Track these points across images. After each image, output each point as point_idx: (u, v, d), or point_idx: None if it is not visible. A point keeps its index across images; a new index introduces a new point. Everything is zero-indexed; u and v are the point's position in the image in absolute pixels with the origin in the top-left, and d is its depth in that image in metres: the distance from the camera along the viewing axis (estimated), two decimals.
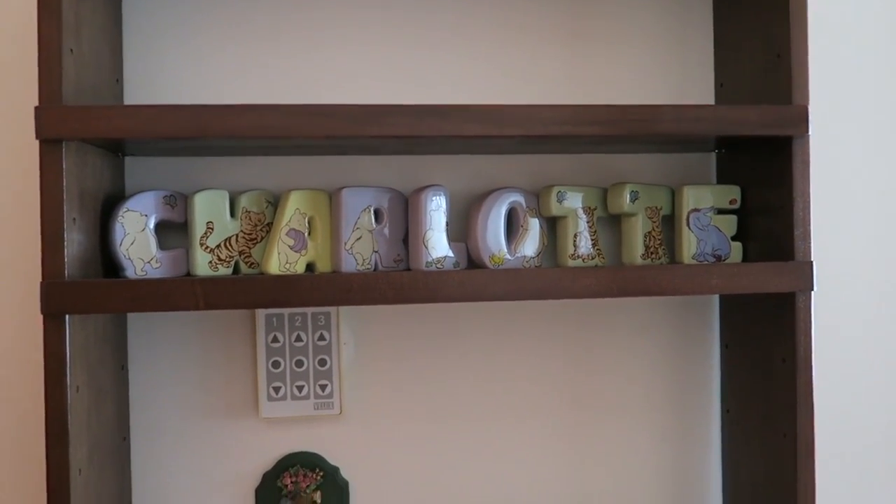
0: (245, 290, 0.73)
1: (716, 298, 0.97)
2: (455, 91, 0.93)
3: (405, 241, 0.89)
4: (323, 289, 0.73)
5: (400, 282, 0.74)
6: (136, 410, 0.90)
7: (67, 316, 0.72)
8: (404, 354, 0.94)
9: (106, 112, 0.72)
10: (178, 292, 0.72)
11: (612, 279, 0.75)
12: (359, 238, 0.86)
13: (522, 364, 0.95)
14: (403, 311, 0.93)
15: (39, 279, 0.71)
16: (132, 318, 0.90)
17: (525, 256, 0.90)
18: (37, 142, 0.71)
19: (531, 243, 0.90)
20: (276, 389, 0.90)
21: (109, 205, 0.84)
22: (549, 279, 0.75)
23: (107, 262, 0.83)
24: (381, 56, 0.93)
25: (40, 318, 0.71)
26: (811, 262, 0.79)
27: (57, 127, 0.70)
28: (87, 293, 0.72)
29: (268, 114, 0.72)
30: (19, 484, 0.89)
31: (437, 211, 0.87)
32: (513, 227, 0.90)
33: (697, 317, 0.98)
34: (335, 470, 0.92)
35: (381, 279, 0.74)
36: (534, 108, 0.75)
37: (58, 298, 0.71)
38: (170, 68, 0.90)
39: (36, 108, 0.70)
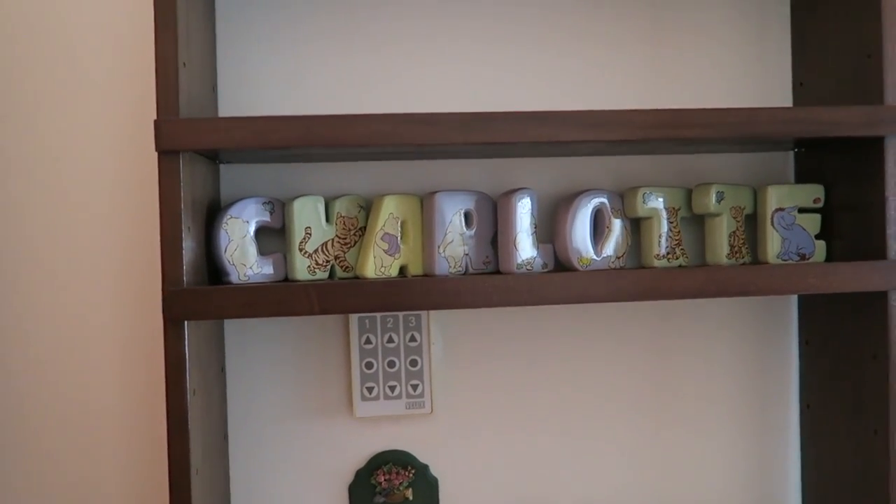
0: (357, 293, 0.75)
1: (795, 296, 0.99)
2: (539, 93, 0.95)
3: (492, 242, 0.91)
4: (432, 293, 0.76)
5: (505, 285, 0.76)
6: (234, 411, 0.93)
7: (186, 322, 0.75)
8: (492, 355, 0.96)
9: (223, 124, 0.74)
10: (294, 298, 0.74)
11: (709, 280, 0.77)
12: (451, 241, 0.88)
13: (605, 364, 0.97)
14: (490, 312, 0.96)
15: (153, 286, 0.74)
16: (229, 321, 0.93)
17: (610, 257, 0.91)
18: (148, 153, 0.74)
19: (615, 244, 0.92)
20: (370, 389, 0.93)
21: (211, 213, 0.86)
22: (649, 281, 0.77)
23: (211, 268, 0.85)
24: (471, 62, 0.94)
25: (153, 324, 0.74)
26: None
27: (175, 139, 0.73)
28: (205, 300, 0.74)
29: (377, 123, 0.75)
30: (133, 484, 0.92)
31: (525, 213, 0.89)
32: (598, 228, 0.92)
33: (776, 315, 0.99)
34: (425, 467, 0.95)
35: (488, 283, 0.76)
36: (634, 112, 0.76)
37: (179, 305, 0.74)
38: (262, 77, 0.93)
39: (155, 121, 0.73)
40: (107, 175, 0.92)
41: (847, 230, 0.88)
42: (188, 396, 0.75)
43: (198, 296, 0.74)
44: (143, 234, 0.91)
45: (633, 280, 0.77)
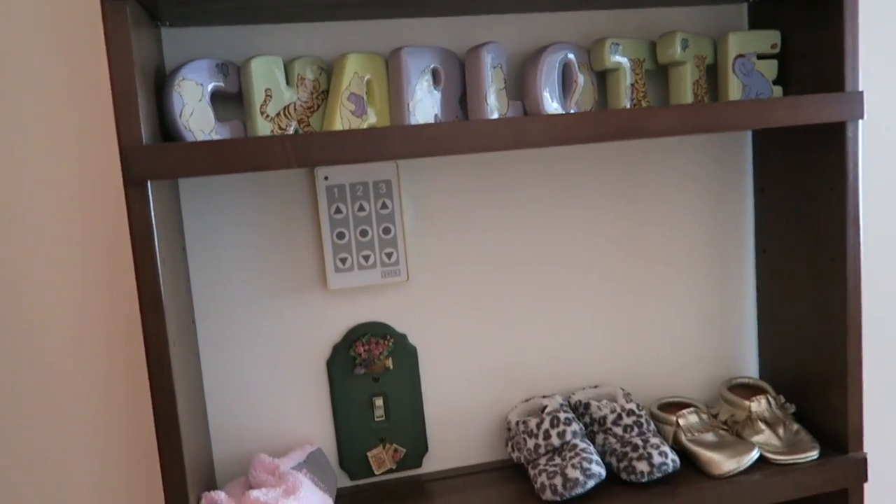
0: (335, 144, 0.71)
1: (749, 144, 1.02)
2: None
3: (461, 103, 0.89)
4: (413, 140, 0.73)
5: (488, 129, 0.74)
6: (200, 292, 0.89)
7: (149, 183, 0.69)
8: (464, 221, 0.95)
9: None
10: (268, 151, 0.70)
11: (687, 117, 0.78)
12: (420, 99, 0.85)
13: (573, 226, 0.98)
14: (461, 177, 0.94)
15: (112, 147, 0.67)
16: (185, 196, 0.87)
17: (580, 112, 0.91)
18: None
19: (583, 98, 0.91)
20: (343, 261, 0.90)
21: (159, 80, 0.79)
22: (629, 120, 0.77)
23: (165, 136, 0.79)
24: None
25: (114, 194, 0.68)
26: (861, 91, 0.83)
27: None
28: (170, 157, 0.68)
29: None
30: (110, 360, 0.87)
31: (496, 68, 0.87)
32: (566, 83, 0.91)
33: (731, 167, 1.02)
34: (403, 337, 0.94)
35: (471, 127, 0.74)
36: None
37: (140, 163, 0.68)
38: None
39: None
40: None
41: (801, 74, 0.91)
42: (159, 265, 0.71)
43: (161, 153, 0.68)
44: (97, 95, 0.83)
45: (614, 119, 0.76)
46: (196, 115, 0.79)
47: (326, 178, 0.88)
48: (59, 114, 0.83)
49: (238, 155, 0.70)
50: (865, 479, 0.91)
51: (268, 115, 0.82)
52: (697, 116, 0.78)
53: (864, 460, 0.91)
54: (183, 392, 0.75)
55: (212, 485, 0.88)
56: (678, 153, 1.00)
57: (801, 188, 0.93)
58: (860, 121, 0.84)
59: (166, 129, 0.79)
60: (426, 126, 0.73)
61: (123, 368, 0.88)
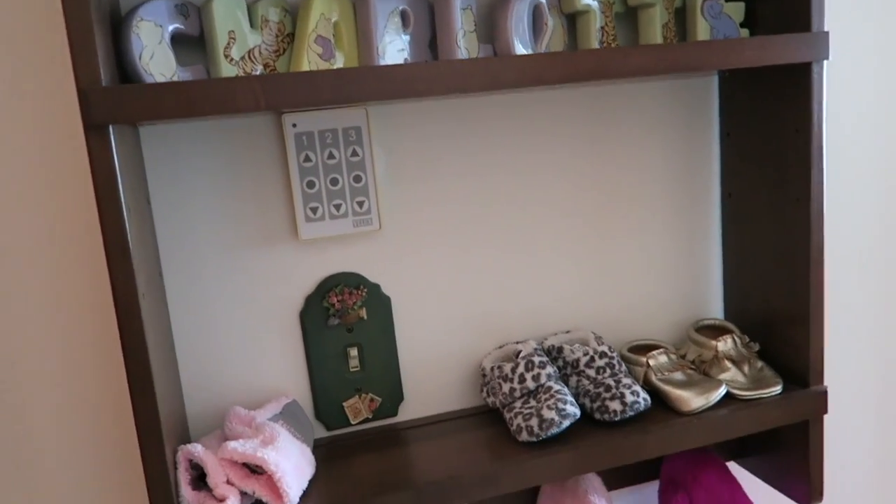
0: (307, 85, 0.69)
1: (715, 89, 1.03)
2: None
3: (430, 47, 0.87)
4: (386, 80, 0.71)
5: (462, 69, 0.73)
6: (167, 246, 0.86)
7: (111, 127, 0.66)
8: (435, 169, 0.94)
9: None
10: (238, 93, 0.67)
11: (660, 57, 0.78)
12: (389, 42, 0.83)
13: (545, 170, 0.98)
14: (432, 123, 0.92)
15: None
16: (147, 146, 0.84)
17: (553, 52, 0.90)
18: None
19: (553, 42, 0.90)
20: (314, 210, 0.88)
21: (114, 18, 0.75)
22: (603, 59, 0.76)
23: (124, 81, 0.76)
24: None
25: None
26: (827, 32, 0.84)
27: None
28: (133, 98, 0.65)
29: None
30: (77, 315, 0.84)
31: (466, 10, 0.85)
32: (536, 26, 0.89)
33: (698, 111, 1.03)
34: (377, 287, 0.93)
35: (445, 68, 0.72)
36: None
37: (102, 106, 0.65)
38: None
39: None
40: None
41: (767, 16, 0.92)
42: (125, 213, 0.68)
43: (124, 94, 0.65)
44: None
45: (587, 59, 0.76)
46: (156, 59, 0.75)
47: (295, 126, 0.86)
48: (12, 59, 0.78)
49: (206, 97, 0.67)
50: (825, 411, 0.95)
51: (232, 59, 0.79)
52: (669, 56, 0.78)
53: (825, 393, 0.94)
54: (154, 345, 0.73)
55: (186, 440, 0.86)
56: (646, 98, 1.00)
57: (767, 131, 0.95)
58: (825, 62, 0.85)
59: (125, 73, 0.75)
60: (399, 66, 0.71)
61: (92, 323, 0.85)
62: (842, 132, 1.12)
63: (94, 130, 0.66)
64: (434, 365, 0.97)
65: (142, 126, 0.83)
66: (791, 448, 1.00)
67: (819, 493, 0.98)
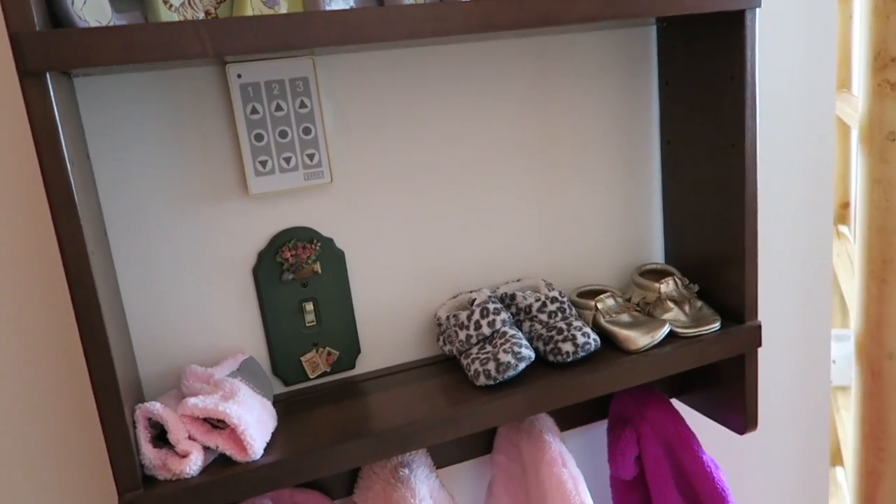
0: (255, 30, 0.67)
1: (654, 39, 1.05)
2: None
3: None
4: (336, 25, 0.70)
5: (412, 14, 0.72)
6: (110, 204, 0.83)
7: (48, 75, 0.63)
8: (383, 120, 0.93)
9: None
10: (183, 38, 0.65)
11: (607, 3, 0.79)
12: None
13: (490, 118, 0.99)
14: (377, 71, 0.92)
15: None
16: (83, 98, 0.80)
17: None
18: None
19: None
20: (263, 164, 0.87)
21: None
22: (551, 5, 0.77)
23: (56, 28, 0.72)
24: None
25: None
26: None
27: None
28: (70, 44, 0.62)
29: None
30: (24, 277, 0.81)
31: None
32: None
33: (638, 61, 1.06)
34: (330, 241, 0.93)
35: (397, 12, 0.72)
36: None
37: (38, 52, 0.62)
38: None
39: None
40: None
41: None
42: (68, 165, 0.65)
43: (60, 39, 0.62)
44: None
45: (537, 5, 0.76)
46: (90, 4, 0.72)
47: (240, 76, 0.84)
48: None
49: (148, 42, 0.65)
50: (759, 345, 1.01)
51: (171, 6, 0.76)
52: (615, 2, 0.80)
53: (759, 328, 1.00)
54: (106, 304, 0.71)
55: (141, 401, 0.85)
56: (588, 48, 1.02)
57: (703, 80, 0.98)
58: (757, 10, 0.89)
59: (57, 21, 0.71)
60: (350, 11, 0.71)
61: (40, 285, 0.82)
62: (774, 79, 1.17)
63: (31, 78, 0.62)
64: (390, 317, 0.98)
65: (76, 77, 0.79)
66: (728, 383, 1.06)
67: (754, 422, 1.05)
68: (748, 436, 1.28)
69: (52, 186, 0.65)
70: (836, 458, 2.10)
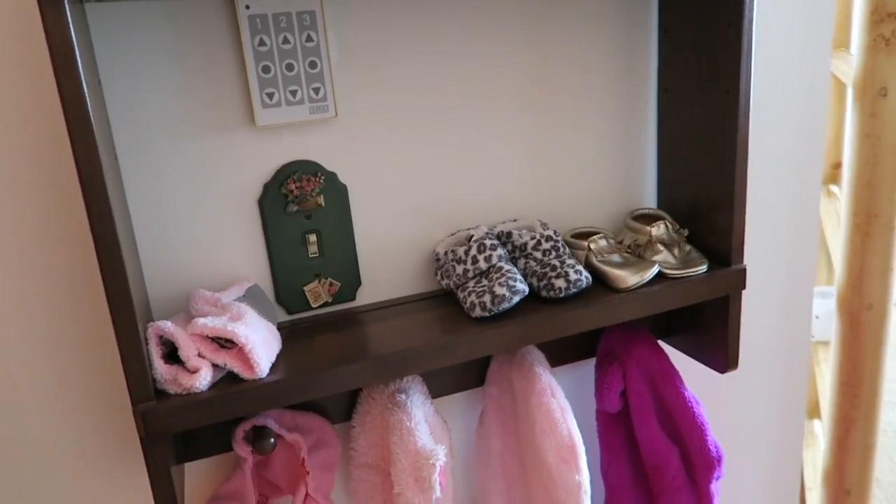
0: None
1: None
2: None
3: None
4: None
5: None
6: (121, 133, 0.85)
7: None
8: (387, 57, 0.95)
9: None
10: None
11: None
12: None
13: (492, 62, 1.01)
14: (382, 8, 0.93)
15: None
16: (95, 26, 0.82)
17: None
18: None
19: None
20: (270, 96, 0.89)
21: None
22: None
23: None
24: None
25: None
26: None
27: None
28: None
29: None
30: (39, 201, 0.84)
31: None
32: None
33: (638, 6, 1.07)
34: (333, 175, 0.95)
35: None
36: None
37: None
38: None
39: None
40: None
41: None
42: (84, 85, 0.67)
43: None
44: None
45: None
46: None
47: (248, 7, 0.85)
48: None
49: None
50: (744, 287, 1.05)
51: None
52: None
53: (744, 270, 1.04)
54: (119, 222, 0.74)
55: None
56: None
57: (702, 27, 1.00)
58: None
59: None
60: None
61: (60, 207, 0.84)
62: (770, 32, 1.19)
63: (49, 2, 0.64)
64: (390, 252, 1.02)
65: (88, 2, 0.80)
66: (712, 325, 1.10)
67: (735, 362, 1.10)
68: (728, 380, 1.34)
69: (70, 107, 0.67)
70: (815, 412, 2.18)
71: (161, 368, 0.78)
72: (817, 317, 1.80)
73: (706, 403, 1.16)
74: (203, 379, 0.79)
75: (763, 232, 1.30)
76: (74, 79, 0.67)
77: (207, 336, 0.80)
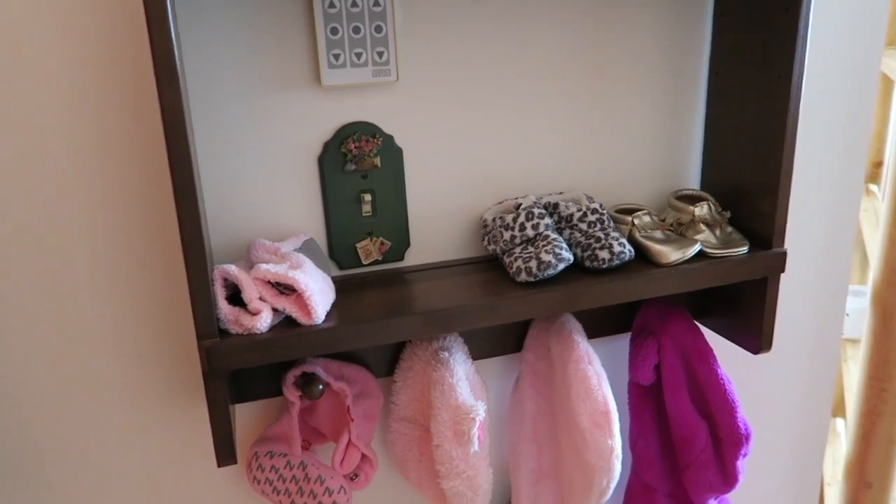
0: None
1: None
2: None
3: None
4: None
5: None
6: (193, 82, 0.90)
7: None
8: (451, 26, 0.98)
9: None
10: None
11: None
12: None
13: (549, 34, 1.03)
14: None
15: None
16: None
17: None
18: None
19: None
20: (336, 57, 0.93)
21: None
22: None
23: None
24: None
25: None
26: None
27: None
28: None
29: None
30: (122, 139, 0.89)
31: None
32: None
33: None
34: (390, 137, 0.99)
35: None
36: None
37: None
38: None
39: None
40: None
41: None
42: (174, 41, 0.72)
43: None
44: None
45: None
46: None
47: None
48: None
49: None
50: (783, 270, 1.07)
51: None
52: None
53: (784, 254, 1.06)
54: (195, 166, 0.78)
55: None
56: None
57: (758, 11, 1.02)
58: None
59: None
60: None
61: (137, 151, 0.89)
62: (822, 17, 1.19)
63: None
64: (439, 216, 1.05)
65: None
66: (748, 306, 1.12)
67: (768, 344, 1.12)
68: (757, 368, 1.36)
69: (159, 53, 0.71)
70: (839, 410, 2.19)
71: (225, 308, 0.83)
72: (848, 314, 1.81)
73: (736, 385, 1.19)
74: (264, 321, 0.83)
75: (801, 224, 1.31)
76: (165, 29, 0.71)
77: (269, 281, 0.85)
